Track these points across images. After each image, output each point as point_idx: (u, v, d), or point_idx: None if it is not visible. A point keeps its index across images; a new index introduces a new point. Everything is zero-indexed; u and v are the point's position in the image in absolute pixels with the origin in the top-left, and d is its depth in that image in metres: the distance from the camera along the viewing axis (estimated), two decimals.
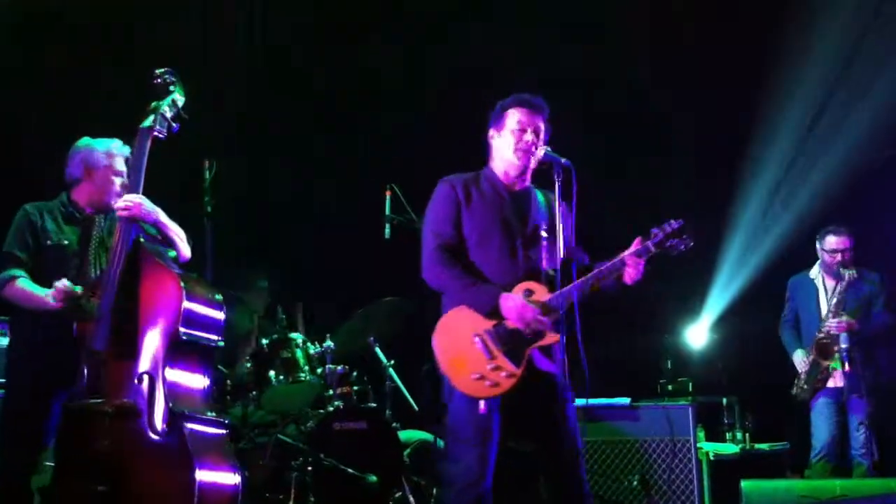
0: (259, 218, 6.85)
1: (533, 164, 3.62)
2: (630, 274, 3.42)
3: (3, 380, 4.21)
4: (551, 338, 3.40)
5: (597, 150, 6.55)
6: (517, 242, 3.55)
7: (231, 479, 3.66)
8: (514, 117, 3.63)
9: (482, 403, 3.35)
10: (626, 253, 3.44)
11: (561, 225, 3.48)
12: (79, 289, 3.74)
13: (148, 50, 6.47)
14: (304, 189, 6.97)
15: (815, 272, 5.78)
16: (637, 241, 3.45)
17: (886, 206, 7.04)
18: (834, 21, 6.87)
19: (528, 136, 3.58)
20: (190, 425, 3.57)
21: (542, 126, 3.63)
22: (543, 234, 3.54)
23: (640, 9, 7.78)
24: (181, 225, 4.07)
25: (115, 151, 4.07)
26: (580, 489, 3.46)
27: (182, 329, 3.63)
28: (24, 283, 3.88)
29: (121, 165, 4.05)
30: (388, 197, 5.10)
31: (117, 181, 4.03)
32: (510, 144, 3.60)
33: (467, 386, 3.39)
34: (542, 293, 3.43)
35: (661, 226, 3.43)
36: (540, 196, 3.71)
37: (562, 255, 3.46)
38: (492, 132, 3.71)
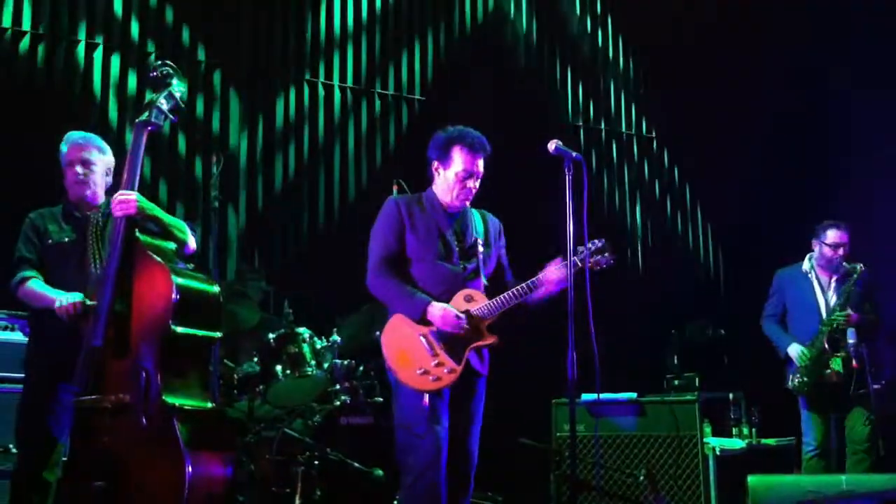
0: (264, 211, 6.85)
1: (469, 203, 3.94)
2: (545, 291, 3.80)
3: (21, 375, 4.26)
4: (488, 339, 3.78)
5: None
6: (455, 257, 3.86)
7: (221, 471, 3.64)
8: (458, 159, 3.85)
9: (426, 396, 3.66)
10: (541, 276, 3.79)
11: (494, 244, 3.98)
12: (79, 297, 3.77)
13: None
14: (312, 182, 6.98)
15: (808, 266, 5.73)
16: (556, 260, 3.81)
17: None
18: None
19: (471, 184, 3.86)
20: (182, 419, 3.54)
21: (482, 167, 3.89)
22: (480, 248, 3.90)
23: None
24: (185, 219, 4.09)
25: (73, 143, 4.09)
26: (468, 465, 3.85)
27: (173, 322, 3.60)
28: (34, 285, 3.97)
29: (84, 154, 4.06)
30: (395, 191, 5.09)
31: (83, 172, 4.05)
32: (453, 187, 3.86)
33: (412, 379, 3.71)
34: (480, 299, 3.80)
35: (586, 244, 3.75)
36: (476, 215, 4.01)
37: (492, 269, 3.95)
38: (436, 164, 3.92)
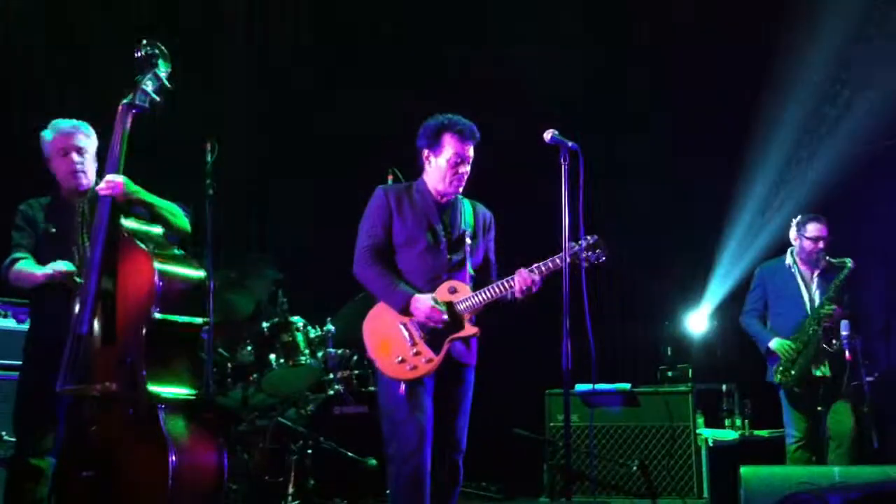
0: (261, 201, 6.85)
1: (461, 190, 3.92)
2: (519, 289, 3.73)
3: (13, 361, 4.29)
4: (469, 331, 3.76)
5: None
6: (442, 246, 3.85)
7: (212, 460, 3.63)
8: (449, 146, 3.85)
9: (402, 385, 3.67)
10: (514, 279, 3.73)
11: (483, 236, 3.95)
12: (73, 267, 3.79)
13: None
14: (306, 170, 6.97)
15: (791, 260, 5.74)
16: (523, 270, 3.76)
17: (881, 197, 7.05)
18: (835, 15, 6.86)
19: (463, 169, 3.86)
20: (166, 408, 3.53)
21: (472, 153, 3.88)
22: (468, 240, 3.89)
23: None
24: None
25: (60, 131, 4.02)
26: (456, 454, 3.83)
27: (156, 309, 3.59)
28: (23, 265, 3.93)
29: (75, 142, 3.98)
30: (389, 181, 5.09)
31: (70, 160, 3.98)
32: (446, 174, 3.86)
33: (390, 368, 3.73)
34: (464, 291, 3.78)
35: (578, 241, 3.76)
36: (467, 205, 3.99)
37: (479, 260, 3.93)
38: (427, 153, 3.91)
